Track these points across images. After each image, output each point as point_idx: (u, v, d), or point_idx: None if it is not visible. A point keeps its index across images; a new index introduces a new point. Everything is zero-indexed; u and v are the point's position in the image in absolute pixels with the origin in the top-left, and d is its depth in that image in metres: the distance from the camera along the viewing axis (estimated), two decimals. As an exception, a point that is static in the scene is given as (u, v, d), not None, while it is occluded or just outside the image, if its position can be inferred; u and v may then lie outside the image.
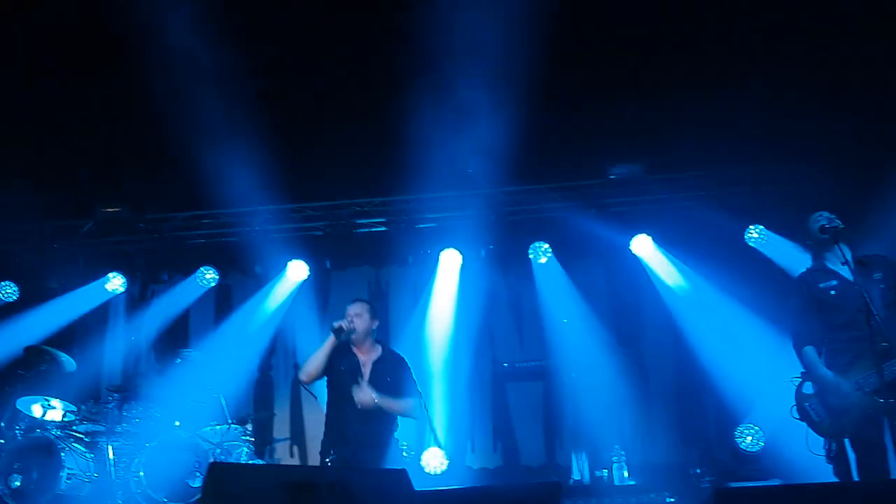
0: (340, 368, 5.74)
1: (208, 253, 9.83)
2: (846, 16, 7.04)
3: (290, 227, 9.52)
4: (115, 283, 9.73)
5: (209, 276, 9.76)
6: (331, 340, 5.70)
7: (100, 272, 9.74)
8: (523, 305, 9.55)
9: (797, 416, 5.28)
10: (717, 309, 8.60)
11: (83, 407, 7.58)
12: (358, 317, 5.80)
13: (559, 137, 8.20)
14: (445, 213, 9.35)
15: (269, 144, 7.81)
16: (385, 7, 7.18)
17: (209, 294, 9.90)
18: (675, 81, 7.67)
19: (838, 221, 5.20)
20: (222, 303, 10.00)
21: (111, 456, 7.15)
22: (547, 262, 9.34)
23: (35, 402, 7.41)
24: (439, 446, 7.68)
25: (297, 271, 9.47)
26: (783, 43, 7.24)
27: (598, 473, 8.29)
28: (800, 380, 5.30)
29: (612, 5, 7.31)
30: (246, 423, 7.84)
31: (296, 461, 9.30)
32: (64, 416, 7.42)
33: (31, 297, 9.58)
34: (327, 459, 5.65)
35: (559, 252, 9.34)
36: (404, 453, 6.55)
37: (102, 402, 7.70)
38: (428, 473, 8.66)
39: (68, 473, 6.91)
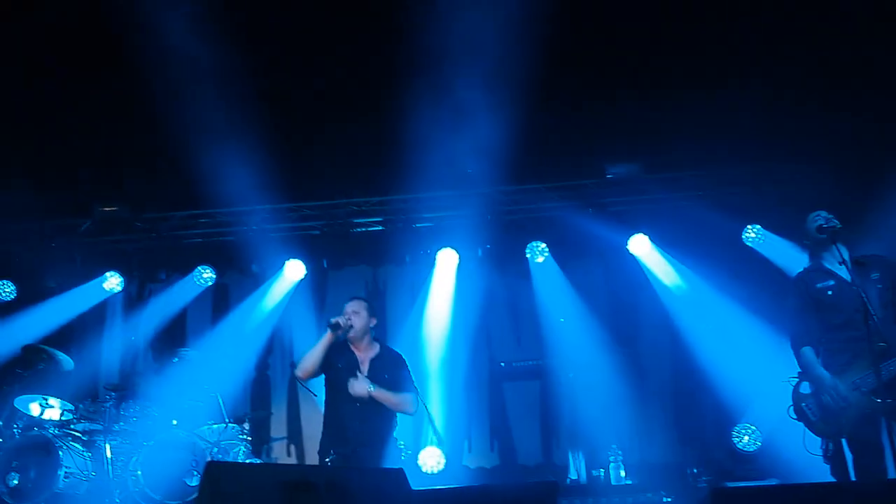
0: (338, 366, 5.72)
1: (205, 252, 9.82)
2: (846, 16, 7.04)
3: (287, 226, 9.51)
4: (113, 282, 9.73)
5: (206, 275, 9.75)
6: (328, 336, 5.69)
7: (97, 271, 9.72)
8: (520, 305, 9.54)
9: (794, 416, 5.27)
10: (714, 309, 8.61)
11: (81, 406, 7.60)
12: (356, 314, 5.79)
13: (557, 137, 8.19)
14: (443, 213, 9.35)
15: (266, 144, 7.79)
16: (384, 7, 7.17)
17: (206, 293, 9.89)
18: (673, 81, 7.67)
19: (836, 221, 5.19)
20: (219, 302, 9.99)
21: (109, 455, 7.14)
22: (544, 261, 9.34)
23: (33, 400, 7.41)
24: (440, 441, 7.66)
25: (295, 270, 9.47)
26: (783, 43, 7.24)
27: (594, 473, 8.29)
28: (797, 379, 5.30)
29: (611, 5, 7.31)
30: (243, 422, 7.85)
31: (293, 460, 9.30)
32: (62, 414, 7.43)
33: (29, 296, 9.57)
34: (327, 459, 5.63)
35: (556, 251, 9.34)
36: (402, 454, 6.54)
37: (100, 400, 7.70)
38: (425, 473, 8.66)
39: (66, 472, 6.91)
